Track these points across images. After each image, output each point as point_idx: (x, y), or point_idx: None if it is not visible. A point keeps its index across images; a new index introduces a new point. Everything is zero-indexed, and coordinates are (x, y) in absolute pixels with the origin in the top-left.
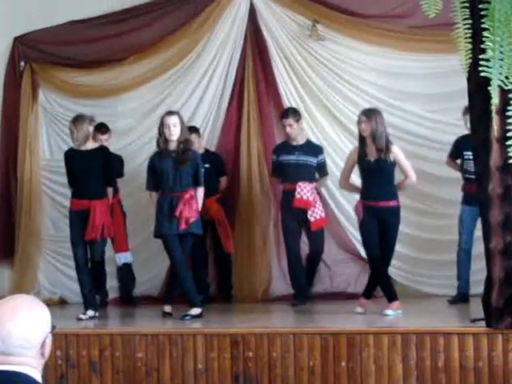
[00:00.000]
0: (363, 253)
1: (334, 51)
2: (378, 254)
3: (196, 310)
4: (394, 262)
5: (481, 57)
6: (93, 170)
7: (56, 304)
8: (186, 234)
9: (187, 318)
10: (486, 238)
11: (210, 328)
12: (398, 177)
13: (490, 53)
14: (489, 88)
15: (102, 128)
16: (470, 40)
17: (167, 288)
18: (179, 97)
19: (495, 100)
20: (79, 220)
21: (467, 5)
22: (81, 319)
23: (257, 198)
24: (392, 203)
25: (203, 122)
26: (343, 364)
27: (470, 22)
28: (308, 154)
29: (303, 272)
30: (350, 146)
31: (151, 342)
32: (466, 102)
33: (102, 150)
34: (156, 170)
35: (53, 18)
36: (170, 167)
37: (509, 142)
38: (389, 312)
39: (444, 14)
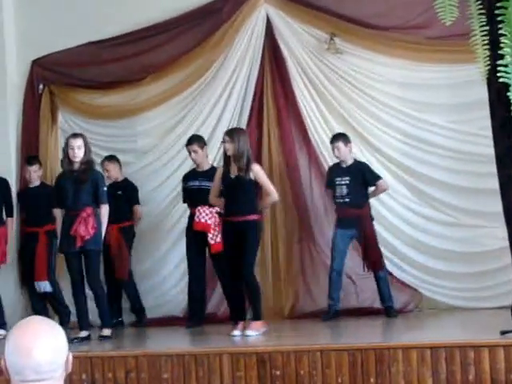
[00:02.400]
0: (390, 267)
1: (352, 64)
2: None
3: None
4: (420, 275)
5: (499, 62)
6: None
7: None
8: (86, 251)
9: (102, 339)
10: None
11: (236, 347)
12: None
13: (508, 58)
14: (508, 94)
15: (30, 160)
16: (487, 47)
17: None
18: (198, 115)
19: None
20: None
21: (484, 11)
22: None
23: (280, 215)
24: (250, 217)
25: None
26: (372, 380)
27: (488, 28)
28: (210, 179)
29: (204, 294)
30: (371, 159)
31: (177, 362)
32: (487, 111)
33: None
34: (59, 189)
35: (70, 40)
36: (70, 186)
37: None
38: (251, 332)
39: (462, 23)
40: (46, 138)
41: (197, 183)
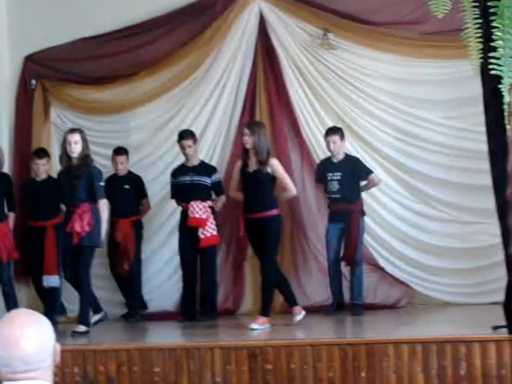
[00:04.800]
0: (382, 263)
1: (345, 60)
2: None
3: (83, 328)
4: (413, 270)
5: (491, 55)
6: None
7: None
8: (81, 247)
9: (75, 335)
10: (505, 243)
11: (228, 341)
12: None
13: (500, 51)
14: (500, 86)
15: (39, 153)
16: (480, 40)
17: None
18: (191, 110)
19: (507, 98)
20: None
21: (476, 4)
22: None
23: None
24: (268, 213)
25: (215, 136)
26: (363, 375)
27: (480, 21)
28: (201, 174)
29: (194, 289)
30: (364, 155)
31: (168, 356)
32: (481, 107)
33: (2, 177)
34: (60, 185)
35: (63, 36)
36: (67, 182)
37: None
38: (255, 326)
39: (455, 19)
40: (38, 134)
41: (188, 178)
